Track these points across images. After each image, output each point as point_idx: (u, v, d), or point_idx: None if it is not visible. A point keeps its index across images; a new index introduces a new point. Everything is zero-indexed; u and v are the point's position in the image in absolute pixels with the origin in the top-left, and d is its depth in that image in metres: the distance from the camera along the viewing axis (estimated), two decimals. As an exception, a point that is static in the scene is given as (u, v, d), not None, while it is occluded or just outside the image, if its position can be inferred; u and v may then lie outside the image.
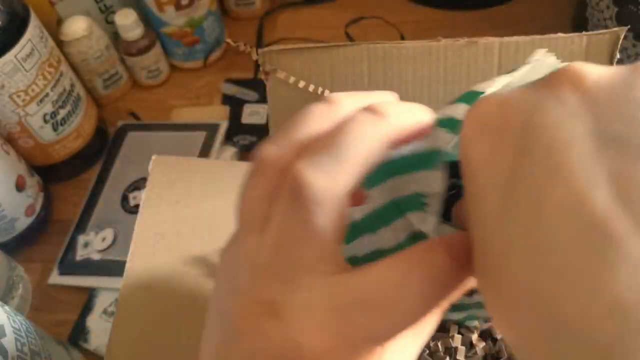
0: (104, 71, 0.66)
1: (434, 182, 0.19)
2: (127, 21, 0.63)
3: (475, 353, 0.34)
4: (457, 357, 0.34)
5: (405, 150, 0.21)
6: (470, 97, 0.20)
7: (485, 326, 0.35)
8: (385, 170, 0.21)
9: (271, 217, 0.18)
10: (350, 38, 0.71)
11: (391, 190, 0.22)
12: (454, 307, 0.30)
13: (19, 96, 0.52)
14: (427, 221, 0.20)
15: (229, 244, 0.20)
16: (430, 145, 0.20)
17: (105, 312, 0.52)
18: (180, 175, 0.44)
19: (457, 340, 0.34)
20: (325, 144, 0.18)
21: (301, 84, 0.38)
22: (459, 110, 0.19)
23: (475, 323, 0.35)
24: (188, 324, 0.37)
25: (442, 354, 0.34)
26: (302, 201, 0.17)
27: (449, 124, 0.19)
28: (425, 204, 0.20)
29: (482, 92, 0.19)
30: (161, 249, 0.41)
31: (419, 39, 0.37)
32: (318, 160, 0.18)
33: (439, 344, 0.35)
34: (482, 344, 0.35)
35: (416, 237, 0.22)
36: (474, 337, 0.35)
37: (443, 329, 0.35)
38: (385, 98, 0.21)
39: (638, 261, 0.11)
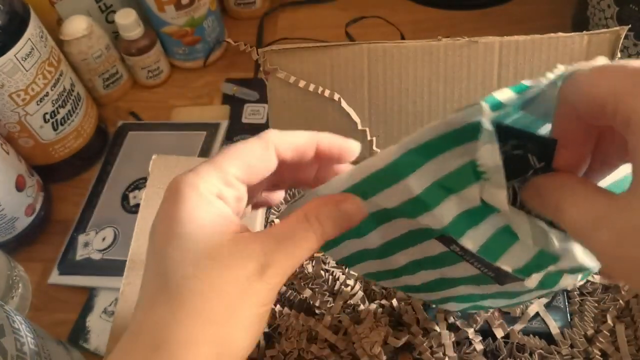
0: (104, 71, 0.66)
1: (487, 154, 0.19)
2: (127, 21, 0.63)
3: (474, 349, 0.34)
4: (447, 353, 0.34)
5: (441, 129, 0.20)
6: (518, 86, 0.20)
7: (481, 320, 0.35)
8: (421, 154, 0.21)
9: None
10: (350, 38, 0.71)
11: (432, 172, 0.21)
12: (458, 298, 0.30)
13: (18, 95, 0.52)
14: (495, 195, 0.20)
15: None
16: (468, 119, 0.19)
17: (105, 312, 0.52)
18: (180, 175, 0.44)
19: (445, 336, 0.35)
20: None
21: (301, 83, 0.38)
22: (506, 94, 0.19)
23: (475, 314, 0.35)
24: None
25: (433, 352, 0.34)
26: None
27: (494, 102, 0.19)
28: (482, 174, 0.20)
29: (528, 87, 0.20)
30: (161, 248, 0.41)
31: (419, 38, 0.37)
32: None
33: (432, 340, 0.35)
34: (479, 338, 0.35)
35: (472, 212, 0.21)
36: (470, 331, 0.35)
37: (433, 328, 0.35)
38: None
39: None
